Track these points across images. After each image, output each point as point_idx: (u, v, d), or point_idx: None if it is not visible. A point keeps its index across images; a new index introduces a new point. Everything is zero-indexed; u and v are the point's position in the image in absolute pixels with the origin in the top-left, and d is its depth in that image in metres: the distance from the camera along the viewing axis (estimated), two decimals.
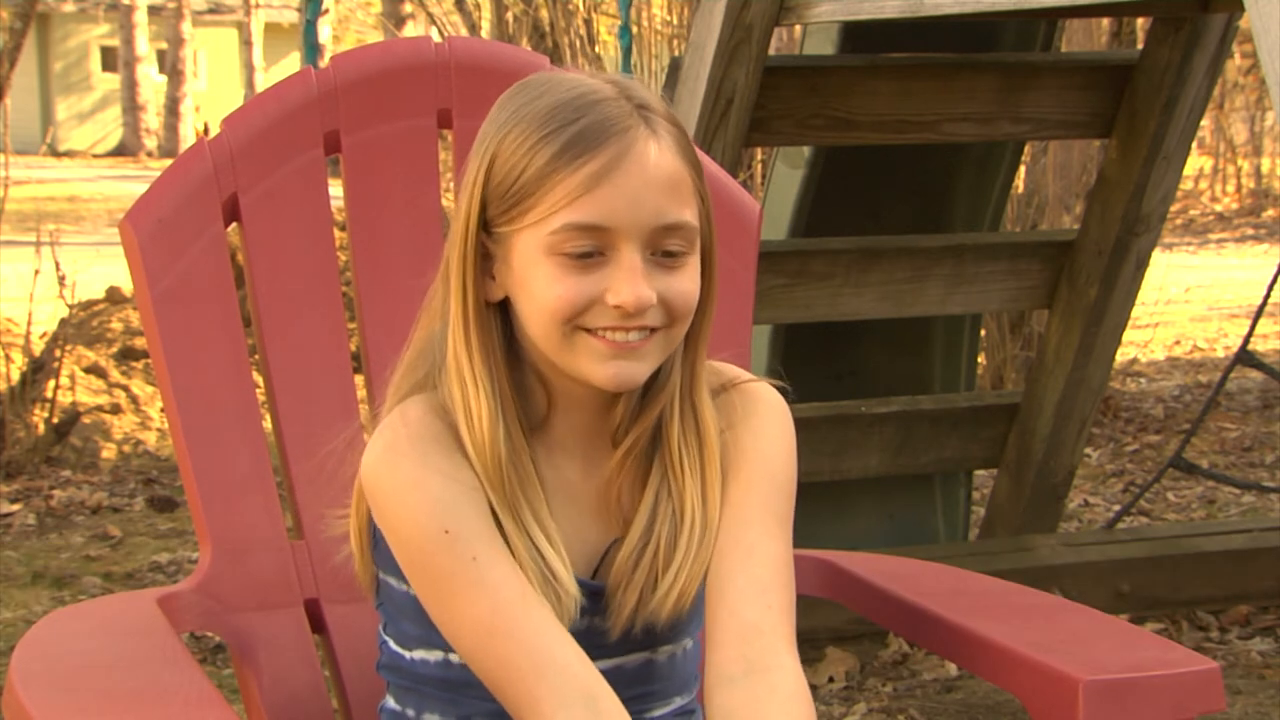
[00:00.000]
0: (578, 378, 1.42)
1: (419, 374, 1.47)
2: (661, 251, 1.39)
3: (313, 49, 3.60)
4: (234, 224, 1.82)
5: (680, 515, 1.46)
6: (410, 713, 1.51)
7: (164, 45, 28.81)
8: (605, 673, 1.47)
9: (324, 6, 3.92)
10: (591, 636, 1.46)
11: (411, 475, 1.41)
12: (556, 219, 1.37)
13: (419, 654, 1.49)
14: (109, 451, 5.82)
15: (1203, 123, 4.86)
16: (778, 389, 1.53)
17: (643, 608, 1.45)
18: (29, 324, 5.99)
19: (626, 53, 3.73)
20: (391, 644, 1.52)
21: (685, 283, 1.41)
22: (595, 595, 1.47)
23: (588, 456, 1.48)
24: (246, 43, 29.02)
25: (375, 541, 1.48)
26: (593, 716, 1.35)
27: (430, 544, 1.40)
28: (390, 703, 1.54)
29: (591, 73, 1.45)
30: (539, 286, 1.39)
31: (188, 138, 26.69)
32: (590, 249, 1.38)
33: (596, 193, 1.36)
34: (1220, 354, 8.16)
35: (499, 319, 1.44)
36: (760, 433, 1.50)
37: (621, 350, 1.39)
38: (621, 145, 1.37)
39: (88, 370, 6.22)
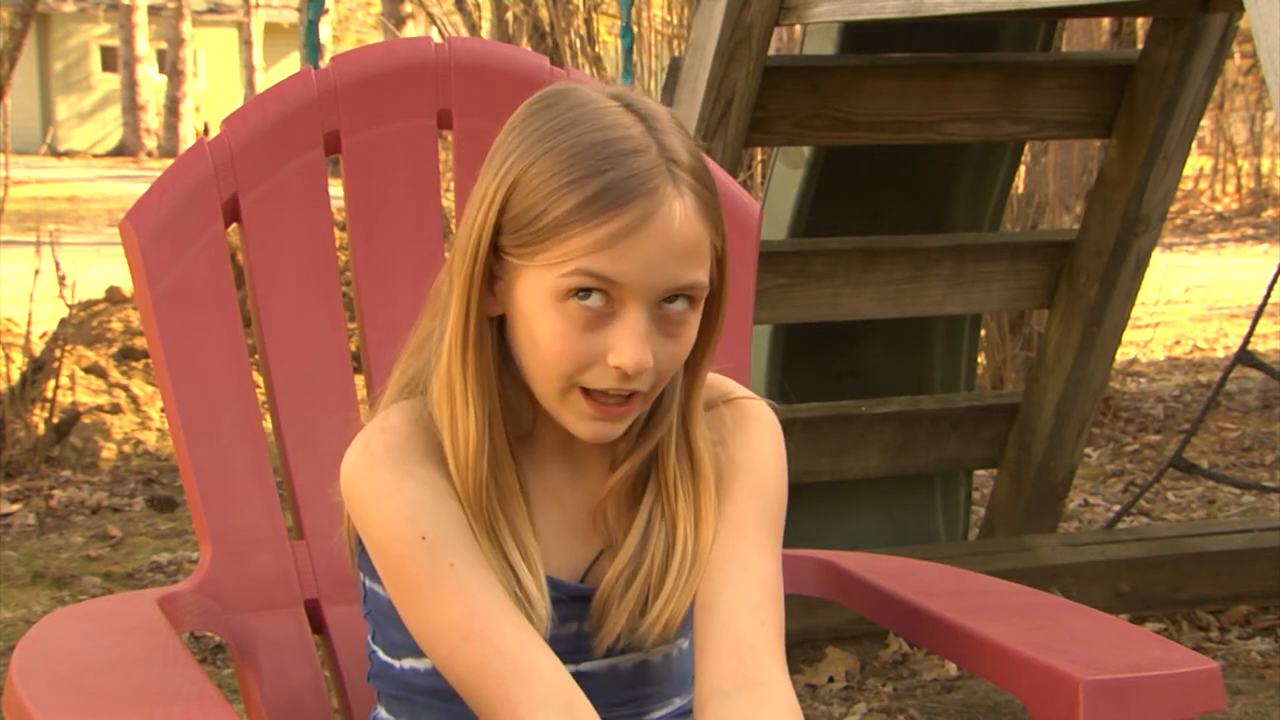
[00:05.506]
0: (560, 424, 1.42)
1: (413, 370, 1.47)
2: (665, 306, 1.37)
3: (314, 49, 3.60)
4: (234, 224, 1.82)
5: (672, 540, 1.45)
6: None
7: (164, 45, 28.83)
8: (600, 674, 1.47)
9: (325, 6, 3.92)
10: (579, 641, 1.46)
11: (388, 481, 1.40)
12: (569, 264, 1.35)
13: (409, 663, 1.48)
14: (109, 451, 5.82)
15: (1203, 123, 4.86)
16: (770, 406, 1.53)
17: (630, 631, 1.45)
18: (29, 324, 5.99)
19: (628, 53, 3.73)
20: (380, 654, 1.51)
21: (680, 348, 1.40)
22: (582, 601, 1.46)
23: (574, 463, 1.48)
24: (246, 43, 29.04)
25: (360, 547, 1.48)
26: None
27: (407, 549, 1.39)
28: (381, 712, 1.53)
29: (618, 95, 1.40)
30: (543, 335, 1.37)
31: (188, 138, 26.71)
32: (597, 298, 1.35)
33: (614, 249, 1.34)
34: (1220, 354, 8.16)
35: (496, 332, 1.43)
36: (752, 447, 1.49)
37: (608, 414, 1.39)
38: (647, 207, 1.34)
39: (88, 370, 6.21)
